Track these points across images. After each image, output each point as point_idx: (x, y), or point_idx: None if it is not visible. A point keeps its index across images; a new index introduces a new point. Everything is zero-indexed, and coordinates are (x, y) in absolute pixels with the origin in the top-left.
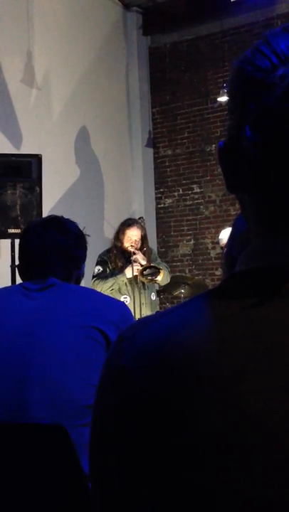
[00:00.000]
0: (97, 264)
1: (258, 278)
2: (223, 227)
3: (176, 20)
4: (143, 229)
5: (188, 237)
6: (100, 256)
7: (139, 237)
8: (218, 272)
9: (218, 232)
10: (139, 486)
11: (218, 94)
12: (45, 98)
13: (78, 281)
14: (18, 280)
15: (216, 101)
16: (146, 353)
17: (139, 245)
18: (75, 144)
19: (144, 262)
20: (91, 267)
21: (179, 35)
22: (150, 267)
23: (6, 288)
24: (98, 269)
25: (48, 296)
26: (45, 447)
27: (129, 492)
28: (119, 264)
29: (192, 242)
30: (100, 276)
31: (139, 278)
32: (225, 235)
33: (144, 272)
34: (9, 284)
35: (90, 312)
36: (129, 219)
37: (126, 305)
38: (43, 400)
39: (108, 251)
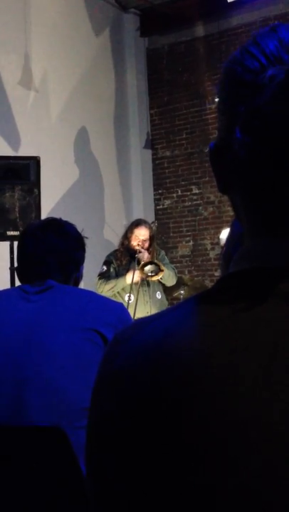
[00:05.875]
0: (103, 264)
1: (250, 280)
2: (222, 228)
3: (173, 21)
4: (151, 230)
5: (188, 239)
6: (107, 256)
7: (147, 237)
8: (218, 273)
9: (217, 233)
10: (138, 488)
11: (216, 95)
12: (43, 100)
13: (77, 283)
14: (17, 283)
15: (214, 101)
16: (141, 356)
17: (146, 245)
18: (73, 146)
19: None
20: (90, 269)
21: (177, 37)
22: (151, 263)
23: (4, 290)
24: (103, 268)
25: (46, 298)
26: (43, 449)
27: (127, 494)
28: (124, 261)
29: (191, 243)
30: (104, 276)
31: (140, 273)
32: (225, 235)
33: (146, 268)
34: (8, 286)
35: (88, 314)
36: (139, 219)
37: (124, 306)
38: (42, 403)
39: (116, 250)
